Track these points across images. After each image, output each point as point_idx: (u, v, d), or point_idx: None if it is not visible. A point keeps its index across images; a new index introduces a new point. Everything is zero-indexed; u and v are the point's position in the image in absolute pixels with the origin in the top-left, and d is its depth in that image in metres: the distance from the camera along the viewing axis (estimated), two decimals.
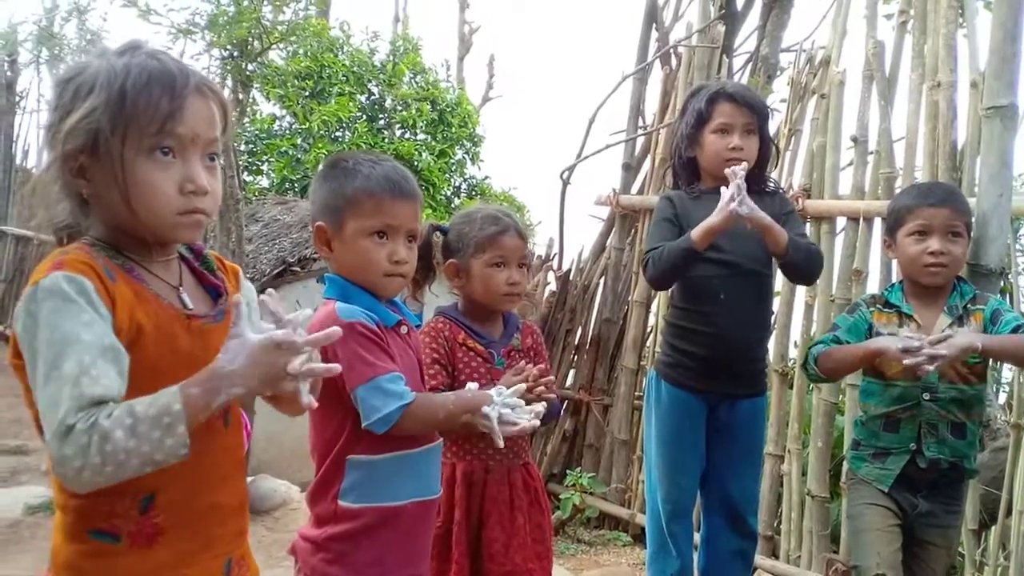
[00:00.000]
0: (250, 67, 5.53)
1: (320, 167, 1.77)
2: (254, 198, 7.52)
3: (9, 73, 9.41)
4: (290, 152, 8.27)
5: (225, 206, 5.52)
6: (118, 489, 1.13)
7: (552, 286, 4.57)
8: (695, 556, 2.67)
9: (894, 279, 2.61)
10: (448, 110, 9.15)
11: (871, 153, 3.21)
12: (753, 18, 5.11)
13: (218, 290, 1.30)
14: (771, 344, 3.43)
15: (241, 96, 5.67)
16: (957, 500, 2.36)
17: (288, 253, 6.80)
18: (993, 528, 3.04)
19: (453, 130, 9.13)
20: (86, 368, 1.05)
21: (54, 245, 1.23)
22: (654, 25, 4.38)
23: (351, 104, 8.41)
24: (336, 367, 1.17)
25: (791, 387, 3.40)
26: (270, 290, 1.23)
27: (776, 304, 3.33)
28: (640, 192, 4.30)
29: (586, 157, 4.49)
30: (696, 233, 2.33)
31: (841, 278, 3.16)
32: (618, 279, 4.36)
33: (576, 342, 4.50)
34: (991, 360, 2.32)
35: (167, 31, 5.18)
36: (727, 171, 2.29)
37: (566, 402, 4.40)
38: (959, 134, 2.88)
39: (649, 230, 2.62)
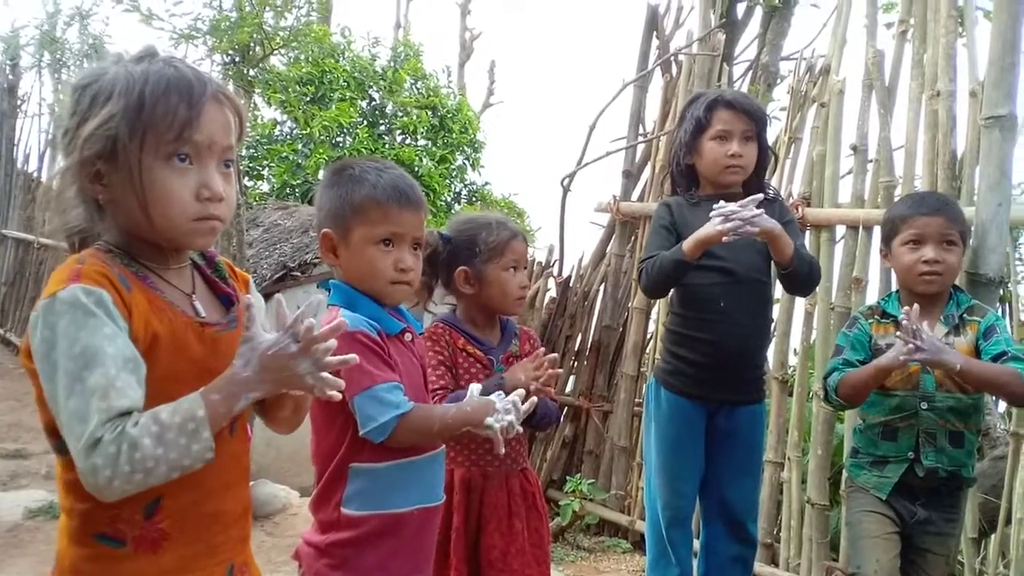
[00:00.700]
0: (251, 72, 5.52)
1: (326, 173, 1.77)
2: (255, 203, 7.53)
3: (11, 77, 9.41)
4: (291, 157, 8.28)
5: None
6: None
7: (552, 292, 4.58)
8: (695, 563, 2.68)
9: (894, 287, 2.62)
10: (449, 116, 9.16)
11: (871, 162, 3.22)
12: (753, 27, 5.13)
13: (230, 298, 1.31)
14: (771, 352, 3.44)
15: (243, 101, 5.67)
16: (956, 508, 2.36)
17: (289, 258, 6.81)
18: (993, 536, 3.04)
19: (454, 136, 9.14)
20: (112, 381, 1.07)
21: (63, 250, 1.24)
22: (655, 33, 4.39)
23: (352, 110, 8.42)
24: (352, 357, 1.19)
25: (791, 394, 3.41)
26: (278, 296, 1.24)
27: (776, 312, 3.33)
28: (640, 199, 4.30)
29: (586, 164, 4.50)
30: (687, 244, 2.34)
31: (841, 286, 3.17)
32: (618, 286, 4.36)
33: (576, 348, 4.50)
34: None
35: (169, 36, 5.17)
36: (714, 210, 2.27)
37: (565, 408, 4.40)
38: (958, 143, 2.89)
39: (647, 238, 2.63)
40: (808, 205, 3.32)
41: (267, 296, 6.19)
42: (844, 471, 2.51)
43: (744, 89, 4.47)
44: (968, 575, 2.89)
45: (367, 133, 8.48)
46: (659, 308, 3.94)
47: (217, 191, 1.19)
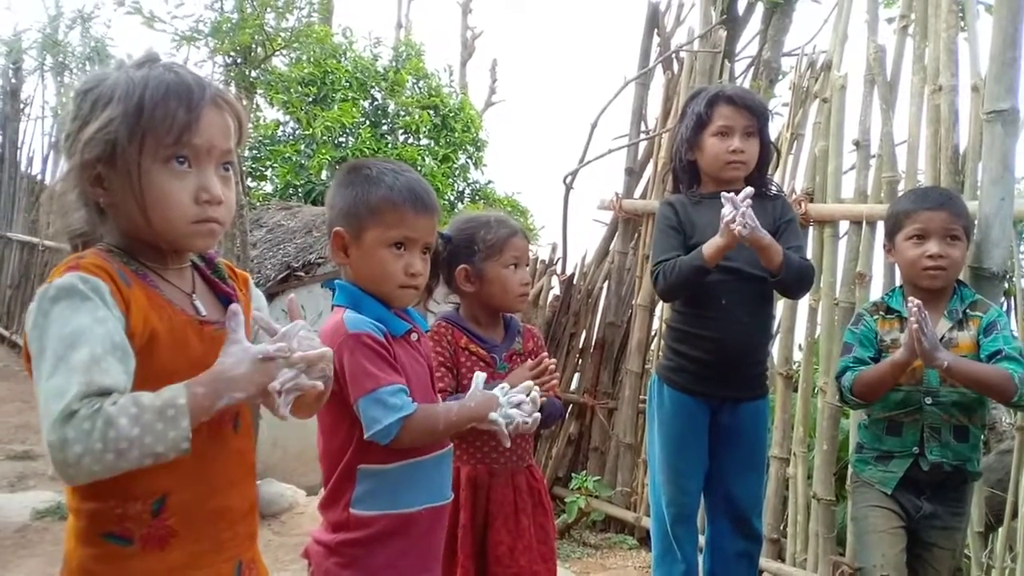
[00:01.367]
0: (253, 74, 5.52)
1: (340, 171, 1.76)
2: (258, 204, 7.54)
3: (14, 80, 9.44)
4: (294, 158, 8.29)
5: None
6: (130, 492, 1.16)
7: (556, 290, 4.58)
8: (700, 559, 2.68)
9: (897, 283, 2.62)
10: (451, 115, 9.17)
11: (873, 157, 3.22)
12: (755, 23, 5.13)
13: (229, 298, 1.32)
14: (775, 348, 3.44)
15: (245, 102, 5.68)
16: (961, 502, 2.36)
17: (292, 258, 6.82)
18: (1000, 530, 3.04)
19: (456, 135, 9.14)
20: (97, 359, 1.06)
21: (66, 253, 1.25)
22: (656, 30, 4.40)
23: (354, 110, 8.43)
24: (318, 384, 1.19)
25: (795, 390, 3.41)
26: (291, 295, 1.26)
27: (779, 308, 3.33)
28: (643, 196, 4.31)
29: (588, 162, 4.51)
30: (708, 252, 2.35)
31: (844, 282, 3.17)
32: (622, 283, 4.37)
33: (580, 346, 4.51)
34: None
35: (171, 38, 5.18)
36: (723, 196, 2.29)
37: (570, 405, 4.41)
38: (961, 138, 2.88)
39: (654, 239, 2.63)
40: (811, 201, 3.32)
41: (271, 296, 6.21)
42: (849, 466, 2.51)
43: (746, 85, 4.46)
44: (975, 569, 2.89)
45: (369, 133, 8.49)
46: (663, 305, 3.94)
47: (216, 194, 1.21)
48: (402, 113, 8.97)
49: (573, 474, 4.20)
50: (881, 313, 2.37)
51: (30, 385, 1.13)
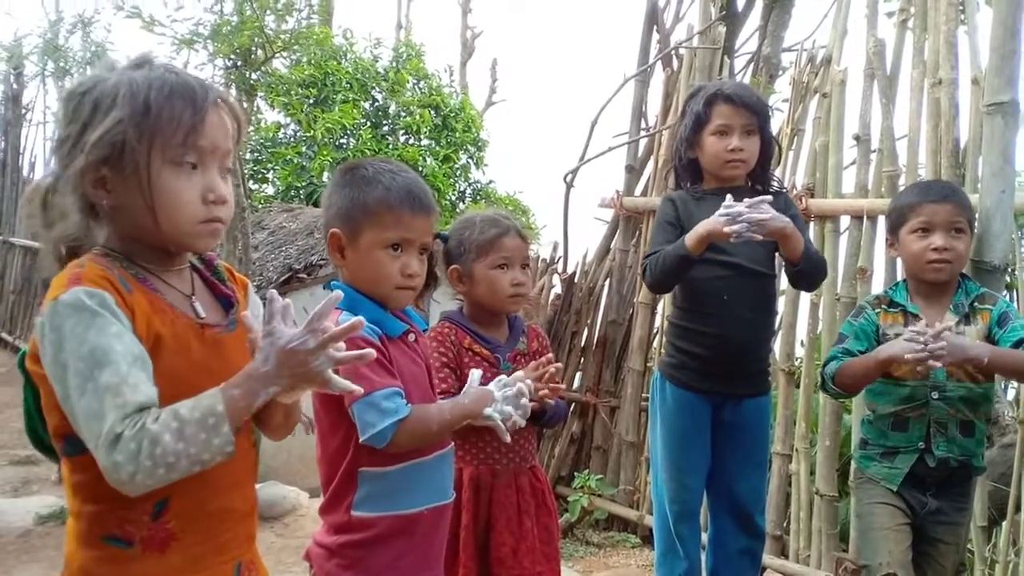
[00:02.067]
0: (254, 76, 5.53)
1: (337, 171, 1.75)
2: (260, 206, 7.55)
3: (15, 86, 9.46)
4: (295, 160, 8.29)
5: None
6: (132, 495, 1.15)
7: (557, 289, 4.58)
8: (703, 556, 2.67)
9: (899, 277, 2.61)
10: (452, 115, 9.16)
11: (874, 151, 3.21)
12: (754, 19, 5.12)
13: (230, 300, 1.32)
14: (777, 343, 3.43)
15: (246, 105, 5.68)
16: (965, 497, 2.35)
17: (294, 260, 6.82)
18: (1003, 524, 3.03)
19: (457, 135, 9.14)
20: (124, 377, 1.08)
21: (49, 255, 1.24)
22: (655, 27, 4.39)
23: (355, 111, 8.43)
24: (370, 352, 1.21)
25: (798, 386, 3.40)
26: (271, 291, 1.25)
27: (781, 303, 3.33)
28: (644, 194, 4.30)
29: (589, 160, 4.50)
30: (690, 239, 2.33)
31: (846, 277, 3.16)
32: (623, 281, 4.36)
33: (582, 344, 4.50)
34: None
35: (171, 42, 5.19)
36: (722, 208, 2.26)
37: (573, 404, 4.40)
38: (961, 131, 2.88)
39: (651, 233, 2.63)
40: (812, 196, 3.31)
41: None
42: (852, 462, 2.50)
43: (747, 81, 4.45)
44: (978, 564, 2.88)
45: (370, 134, 8.49)
46: (664, 302, 3.94)
47: (222, 194, 1.22)
48: (403, 114, 8.97)
49: (576, 473, 4.20)
50: (884, 307, 2.35)
51: None
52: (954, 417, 2.25)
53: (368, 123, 8.75)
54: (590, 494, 3.97)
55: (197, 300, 1.27)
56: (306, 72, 8.42)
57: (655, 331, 4.12)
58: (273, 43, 5.53)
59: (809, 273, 2.44)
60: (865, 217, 3.10)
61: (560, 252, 4.62)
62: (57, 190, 1.21)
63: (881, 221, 2.99)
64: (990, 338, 2.24)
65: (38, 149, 9.37)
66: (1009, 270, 2.74)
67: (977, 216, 2.50)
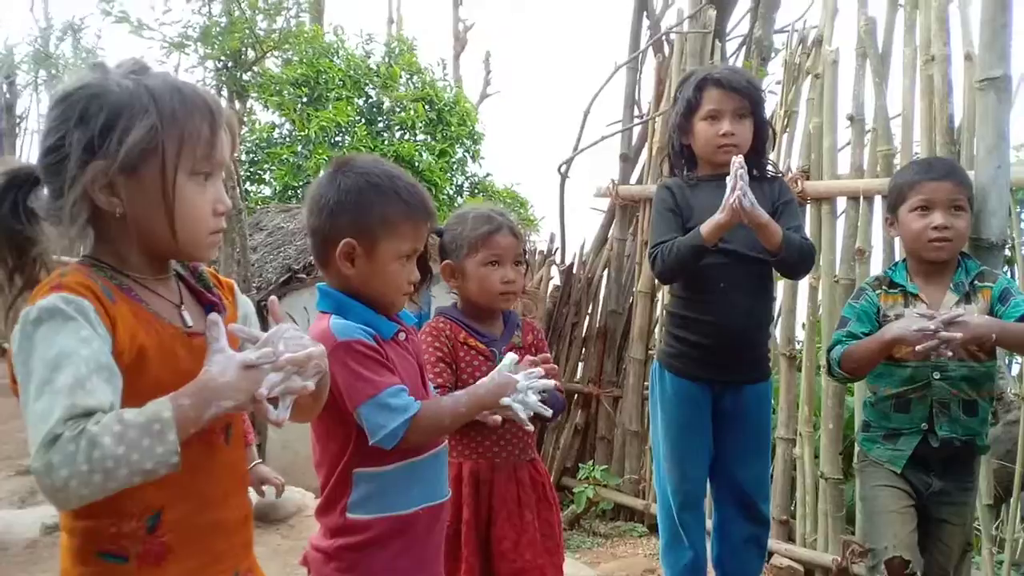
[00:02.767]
0: (245, 77, 5.51)
1: (332, 173, 1.66)
2: (257, 207, 7.54)
3: (8, 95, 9.46)
4: (291, 160, 8.29)
5: (228, 217, 5.55)
6: (125, 510, 1.14)
7: (556, 280, 4.57)
8: (708, 545, 2.67)
9: (897, 257, 2.59)
10: (446, 109, 9.15)
11: (868, 131, 3.19)
12: (745, 1, 5.09)
13: (216, 307, 1.30)
14: (778, 328, 3.42)
15: (238, 106, 5.67)
16: (970, 477, 2.34)
17: (293, 260, 6.80)
18: (1010, 501, 3.02)
19: (452, 129, 9.13)
20: (81, 380, 1.04)
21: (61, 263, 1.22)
22: (645, 13, 4.36)
23: (349, 108, 8.42)
24: (309, 385, 1.17)
25: (799, 370, 3.39)
26: (272, 298, 1.24)
27: (780, 288, 3.31)
28: (639, 182, 4.29)
29: (582, 150, 4.49)
30: (706, 230, 2.33)
31: (844, 259, 3.14)
32: (622, 270, 4.35)
33: (583, 335, 4.50)
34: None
35: (160, 45, 5.18)
36: (732, 160, 2.27)
37: (576, 395, 4.40)
38: (956, 108, 2.85)
39: (652, 222, 2.61)
40: (807, 179, 3.29)
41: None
42: (856, 445, 2.48)
43: (739, 65, 4.43)
44: (986, 542, 2.86)
45: (365, 131, 8.48)
46: (664, 291, 3.92)
47: (229, 206, 1.25)
48: (397, 109, 8.95)
49: (581, 464, 4.19)
50: (884, 287, 2.33)
51: None
52: (956, 397, 2.23)
53: (363, 120, 8.74)
54: (595, 485, 3.97)
55: (185, 308, 1.26)
56: (298, 71, 8.40)
57: (655, 320, 4.11)
58: (263, 43, 5.51)
59: (791, 262, 2.43)
60: (861, 198, 3.08)
61: (557, 243, 4.61)
62: (72, 195, 1.15)
63: (878, 201, 2.97)
64: (993, 315, 2.21)
65: (33, 158, 9.35)
66: (1008, 246, 2.71)
67: (973, 193, 2.48)
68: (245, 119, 7.36)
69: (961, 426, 2.23)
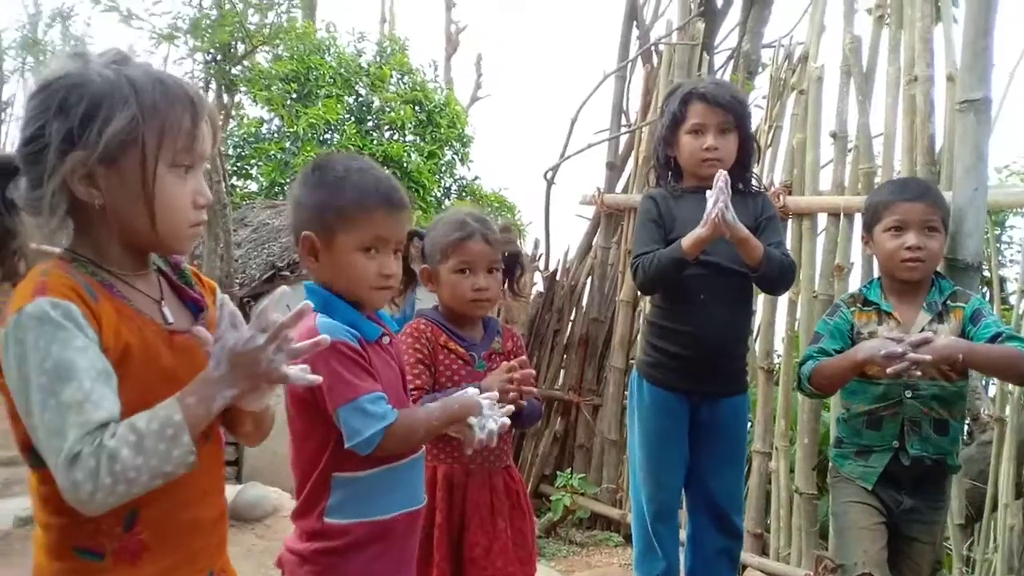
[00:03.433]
0: (234, 71, 5.49)
1: (305, 171, 1.70)
2: (243, 203, 7.51)
3: None
4: (278, 156, 8.25)
5: (212, 211, 5.51)
6: None
7: (539, 287, 4.57)
8: (681, 555, 2.67)
9: (875, 274, 2.61)
10: (436, 111, 9.13)
11: (850, 149, 3.21)
12: (734, 15, 5.12)
13: (198, 304, 1.30)
14: (756, 341, 3.44)
15: (226, 100, 5.65)
16: (941, 496, 2.36)
17: (278, 257, 6.77)
18: (981, 522, 3.04)
19: (442, 131, 9.11)
20: (87, 394, 1.07)
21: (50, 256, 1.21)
22: (635, 23, 4.38)
23: (339, 106, 8.39)
24: (324, 338, 1.19)
25: (777, 384, 3.41)
26: (283, 287, 1.23)
27: (760, 302, 3.33)
28: (625, 191, 4.30)
29: (569, 157, 4.50)
30: (687, 243, 2.34)
31: (823, 274, 3.16)
32: (605, 278, 4.36)
33: (564, 342, 4.50)
34: None
35: (149, 35, 5.15)
36: (716, 175, 2.27)
37: (556, 403, 4.40)
38: (937, 129, 2.88)
39: (635, 232, 2.62)
40: (789, 193, 3.31)
41: (256, 297, 6.16)
42: (830, 460, 2.50)
43: (727, 78, 4.45)
44: (956, 562, 2.89)
45: (355, 129, 8.45)
46: (645, 301, 3.94)
47: (210, 199, 1.24)
48: (387, 109, 8.94)
49: (559, 472, 4.19)
50: (858, 305, 2.35)
51: None
52: (928, 416, 2.24)
53: (352, 118, 8.71)
54: (573, 493, 3.97)
55: (166, 305, 1.25)
56: (288, 67, 8.37)
57: (637, 330, 4.12)
58: (254, 37, 5.50)
59: (771, 278, 2.44)
60: (842, 214, 3.10)
61: (541, 249, 4.62)
62: (52, 186, 1.14)
63: (858, 218, 2.99)
64: (964, 336, 2.24)
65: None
66: (982, 268, 2.74)
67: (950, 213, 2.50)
68: (233, 113, 7.34)
69: (932, 445, 2.25)
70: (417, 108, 8.90)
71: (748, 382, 2.73)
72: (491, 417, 1.65)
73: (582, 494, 4.01)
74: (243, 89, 7.03)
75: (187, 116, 1.18)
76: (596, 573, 3.34)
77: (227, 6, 5.26)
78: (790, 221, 3.27)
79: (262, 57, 7.91)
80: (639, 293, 3.95)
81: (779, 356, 3.57)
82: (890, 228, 2.27)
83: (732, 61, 4.29)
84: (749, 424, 3.14)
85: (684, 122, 2.50)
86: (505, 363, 2.06)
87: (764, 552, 3.33)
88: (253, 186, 8.69)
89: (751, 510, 3.31)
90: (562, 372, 4.53)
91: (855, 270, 3.08)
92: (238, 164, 8.47)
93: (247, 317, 1.17)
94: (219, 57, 5.48)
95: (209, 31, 5.17)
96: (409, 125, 8.89)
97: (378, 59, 9.29)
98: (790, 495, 3.23)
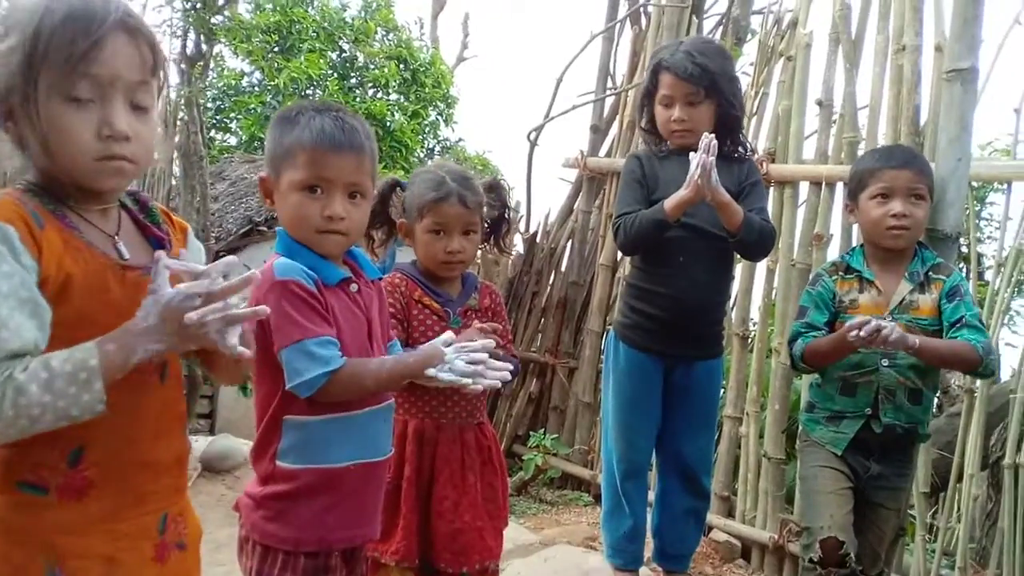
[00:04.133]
0: (214, 20, 5.37)
1: (273, 116, 1.69)
2: (222, 156, 7.39)
3: None
4: (259, 110, 8.13)
5: (189, 163, 5.40)
6: (46, 440, 1.11)
7: (519, 248, 4.55)
8: (649, 515, 2.69)
9: (855, 243, 2.61)
10: (421, 70, 9.02)
11: (835, 118, 3.20)
12: None
13: (161, 242, 1.26)
14: (733, 308, 3.44)
15: (205, 49, 5.53)
16: (908, 463, 2.38)
17: (255, 212, 6.69)
18: (946, 492, 3.09)
19: (426, 90, 9.01)
20: (3, 321, 1.04)
21: None
22: None
23: (321, 61, 8.27)
24: (263, 309, 1.15)
25: (751, 351, 3.42)
26: (159, 252, 1.18)
27: (738, 269, 3.32)
28: (609, 154, 4.26)
29: (553, 118, 4.45)
30: (669, 205, 2.33)
31: (803, 243, 3.16)
32: (585, 242, 4.35)
33: (542, 305, 4.49)
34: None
35: None
36: (702, 137, 2.26)
37: (532, 364, 4.40)
38: (923, 99, 2.86)
39: (619, 191, 2.60)
40: (773, 161, 3.29)
41: (232, 251, 6.09)
42: (800, 425, 2.51)
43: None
44: (920, 529, 2.93)
45: (337, 86, 8.34)
46: (625, 264, 3.93)
47: (120, 129, 1.13)
48: (371, 66, 8.81)
49: (532, 432, 4.21)
50: (840, 273, 2.35)
51: None
52: (903, 385, 2.26)
53: (335, 74, 8.58)
54: (545, 453, 3.99)
55: (121, 240, 1.22)
56: (270, 18, 8.22)
57: (615, 294, 4.12)
58: None
59: (750, 243, 2.43)
60: (824, 184, 3.09)
61: (522, 211, 4.59)
62: None
63: (839, 188, 2.99)
64: (938, 310, 2.25)
65: None
66: (962, 240, 2.75)
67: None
68: (212, 64, 7.18)
69: (905, 413, 2.27)
70: (402, 66, 8.78)
71: (724, 346, 2.73)
72: (456, 358, 1.61)
73: (554, 454, 4.03)
74: (223, 40, 6.87)
75: (79, 37, 1.10)
76: (564, 531, 3.36)
77: None
78: (772, 189, 3.26)
79: (243, 7, 7.76)
80: (619, 255, 3.94)
81: (755, 324, 3.58)
82: (876, 195, 2.26)
83: (721, 27, 4.24)
84: (722, 389, 3.16)
85: (656, 92, 2.51)
86: (477, 322, 2.04)
87: (731, 515, 3.37)
88: (232, 140, 8.57)
89: (719, 473, 3.33)
90: (539, 335, 4.52)
91: (834, 240, 3.08)
92: (217, 117, 8.34)
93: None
94: (198, 5, 5.35)
95: None
96: (393, 83, 8.78)
97: (363, 14, 9.14)
98: (758, 460, 3.26)
